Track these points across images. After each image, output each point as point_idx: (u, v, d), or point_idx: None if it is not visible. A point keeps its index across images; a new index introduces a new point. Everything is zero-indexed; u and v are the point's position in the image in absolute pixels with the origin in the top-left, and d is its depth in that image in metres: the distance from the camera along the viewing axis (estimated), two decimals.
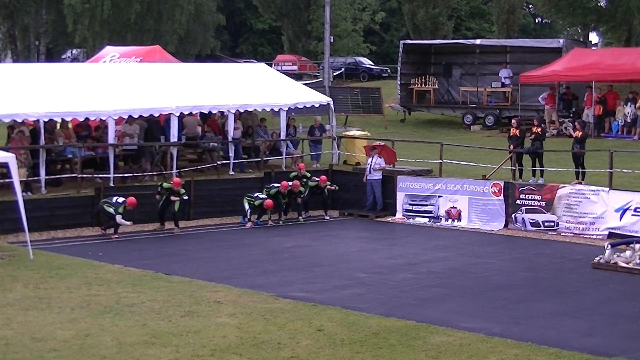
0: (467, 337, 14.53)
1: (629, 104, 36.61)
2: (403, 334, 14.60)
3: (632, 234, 22.60)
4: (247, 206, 25.98)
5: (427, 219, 26.84)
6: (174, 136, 27.49)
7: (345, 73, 61.24)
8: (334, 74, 58.03)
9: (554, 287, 18.72)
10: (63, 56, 71.01)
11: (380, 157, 27.76)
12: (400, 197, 27.42)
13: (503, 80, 43.44)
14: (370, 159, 27.78)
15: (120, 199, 23.61)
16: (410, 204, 27.28)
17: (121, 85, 28.08)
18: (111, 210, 23.52)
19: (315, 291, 17.68)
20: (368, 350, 13.67)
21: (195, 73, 31.52)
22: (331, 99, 32.82)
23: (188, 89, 29.13)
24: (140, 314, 15.40)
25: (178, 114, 27.66)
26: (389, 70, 61.42)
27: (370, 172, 27.44)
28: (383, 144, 29.06)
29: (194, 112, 28.91)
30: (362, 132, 34.29)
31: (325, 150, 31.59)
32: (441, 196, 26.73)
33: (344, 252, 22.41)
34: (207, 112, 29.46)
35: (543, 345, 14.03)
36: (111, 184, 25.59)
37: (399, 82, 46.18)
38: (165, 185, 24.94)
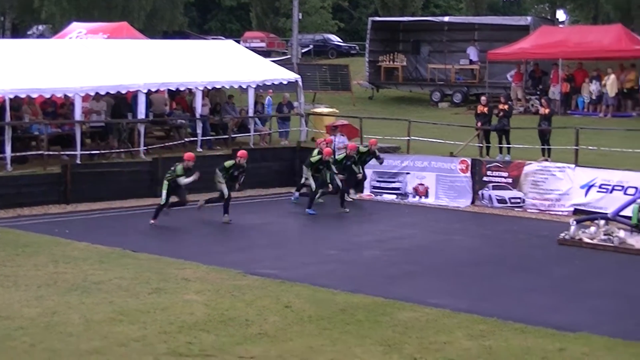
0: (434, 313, 14.63)
1: (594, 81, 36.85)
2: (370, 311, 14.68)
3: (597, 211, 22.79)
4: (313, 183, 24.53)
5: (394, 196, 26.93)
6: (141, 113, 27.37)
7: (314, 50, 61.17)
8: (303, 51, 57.94)
9: (520, 264, 18.87)
10: (29, 32, 70.28)
11: (343, 136, 27.74)
12: (368, 174, 27.45)
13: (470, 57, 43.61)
14: (332, 138, 27.61)
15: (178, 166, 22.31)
16: (378, 181, 27.34)
17: (88, 61, 27.86)
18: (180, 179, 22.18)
19: (283, 268, 17.70)
20: (335, 327, 13.73)
21: (163, 50, 31.36)
22: (299, 76, 32.78)
23: (156, 65, 28.98)
24: (107, 292, 15.37)
25: (145, 91, 27.53)
26: (357, 48, 61.36)
27: (334, 151, 27.18)
28: (345, 122, 29.06)
29: (161, 89, 28.81)
30: (330, 109, 34.29)
31: (293, 128, 31.58)
32: (409, 173, 26.81)
33: (312, 229, 22.47)
34: (174, 89, 29.36)
35: (509, 320, 14.16)
36: (78, 162, 25.44)
37: (367, 60, 46.22)
38: (227, 164, 22.98)
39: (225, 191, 22.56)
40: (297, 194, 25.81)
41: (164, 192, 22.17)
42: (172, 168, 22.35)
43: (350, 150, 25.43)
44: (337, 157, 25.34)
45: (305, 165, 25.09)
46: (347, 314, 14.47)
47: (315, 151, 25.09)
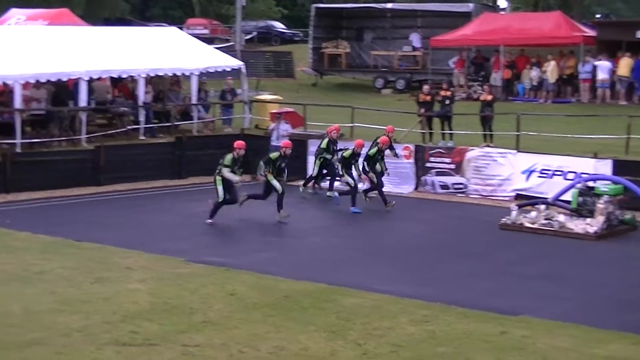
0: (378, 298, 14.71)
1: (535, 67, 37.23)
2: (315, 297, 14.72)
3: (538, 195, 23.05)
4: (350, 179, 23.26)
5: (338, 183, 26.90)
6: (83, 101, 27.10)
7: (257, 37, 60.93)
8: (246, 37, 57.64)
9: (463, 249, 19.04)
10: None
11: (287, 123, 27.67)
12: (312, 161, 27.43)
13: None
14: (276, 125, 27.47)
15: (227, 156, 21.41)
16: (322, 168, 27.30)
17: (28, 49, 27.47)
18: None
19: (227, 256, 17.67)
20: (280, 313, 13.75)
21: (104, 37, 31.03)
22: (243, 63, 32.65)
23: (97, 53, 28.66)
24: (49, 282, 15.23)
25: (87, 79, 27.25)
26: (301, 34, 61.23)
27: (278, 139, 27.07)
28: (289, 109, 29.00)
29: (103, 77, 28.54)
30: (274, 96, 34.23)
31: (237, 115, 31.48)
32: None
33: (256, 216, 22.41)
34: (117, 77, 29.11)
35: (451, 305, 14.29)
36: (18, 150, 25.13)
37: (311, 46, 46.17)
38: (272, 156, 21.84)
39: (279, 186, 21.50)
40: (336, 193, 24.24)
41: (220, 188, 20.89)
42: (221, 160, 21.15)
43: (383, 144, 23.84)
44: (369, 152, 23.80)
45: (338, 162, 23.76)
46: (292, 300, 14.50)
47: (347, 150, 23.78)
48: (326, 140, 24.36)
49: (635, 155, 23.70)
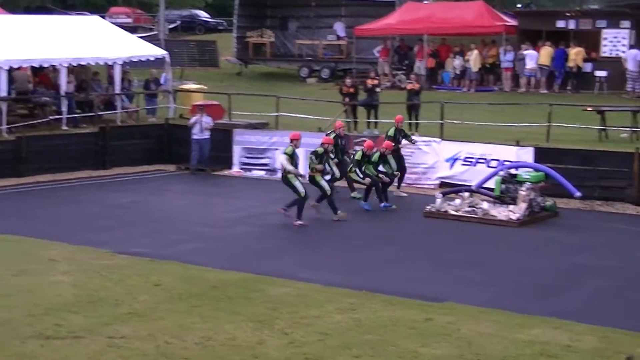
0: (304, 287, 14.77)
1: (458, 56, 37.61)
2: (242, 287, 14.72)
3: (462, 183, 23.31)
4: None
5: (264, 172, 26.96)
6: (2, 91, 26.62)
7: (181, 26, 60.43)
8: (170, 27, 57.16)
9: (388, 237, 19.18)
10: None
11: (209, 116, 27.28)
12: (237, 151, 27.42)
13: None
14: (198, 118, 26.82)
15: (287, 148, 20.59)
16: (247, 157, 27.32)
17: None
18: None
19: (153, 246, 17.57)
20: (206, 304, 13.73)
21: (24, 25, 30.46)
22: (167, 52, 32.41)
23: (17, 41, 28.15)
24: None
25: (7, 68, 26.78)
26: (225, 24, 60.92)
27: (201, 132, 26.61)
28: (211, 102, 28.76)
29: (24, 66, 28.07)
30: (199, 86, 34.05)
31: (161, 105, 31.25)
32: (278, 149, 26.83)
33: (182, 207, 22.32)
34: (38, 66, 28.66)
35: (377, 293, 14.41)
36: None
37: (235, 36, 45.99)
38: (319, 150, 20.84)
39: (327, 187, 20.75)
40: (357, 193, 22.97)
41: (297, 184, 20.20)
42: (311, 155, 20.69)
43: (368, 148, 22.27)
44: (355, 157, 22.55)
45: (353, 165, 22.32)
46: (218, 290, 14.48)
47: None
48: (333, 135, 23.17)
49: (556, 142, 24.09)
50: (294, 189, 20.23)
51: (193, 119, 26.79)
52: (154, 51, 31.84)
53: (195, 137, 26.65)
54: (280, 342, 12.06)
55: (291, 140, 20.76)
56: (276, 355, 11.60)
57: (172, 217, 20.92)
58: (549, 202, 21.38)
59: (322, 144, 21.06)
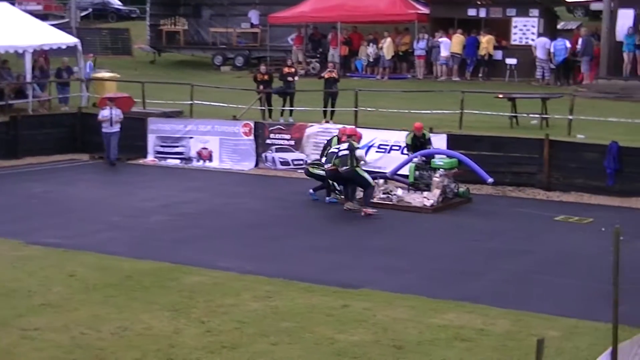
0: (220, 276, 14.77)
1: (371, 44, 37.82)
2: (157, 276, 14.66)
3: (376, 170, 23.45)
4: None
5: (178, 161, 26.82)
6: None
7: (93, 14, 59.54)
8: (81, 14, 56.29)
9: (305, 224, 19.26)
10: None
11: (119, 109, 26.71)
12: (151, 139, 27.21)
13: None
14: (108, 111, 26.14)
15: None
16: (161, 146, 27.13)
17: None
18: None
19: (67, 237, 17.36)
20: (122, 294, 13.64)
21: None
22: (79, 40, 31.95)
23: None
24: None
25: None
26: (138, 11, 60.21)
27: (111, 125, 25.89)
28: (122, 94, 28.37)
29: None
30: (112, 74, 33.64)
31: (74, 93, 30.82)
32: (192, 137, 26.75)
33: (96, 196, 22.08)
34: None
35: (294, 280, 14.48)
36: None
37: (148, 23, 45.50)
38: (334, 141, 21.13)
39: (370, 180, 20.56)
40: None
41: (365, 175, 20.30)
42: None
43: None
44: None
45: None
46: (134, 280, 14.40)
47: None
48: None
49: (469, 129, 24.41)
50: (362, 179, 20.24)
51: (103, 114, 26.08)
52: (66, 39, 31.35)
53: (105, 130, 25.99)
54: (197, 331, 12.05)
55: (349, 136, 20.89)
56: (193, 344, 11.58)
57: (86, 207, 20.68)
58: (462, 188, 21.67)
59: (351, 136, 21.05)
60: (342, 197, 20.87)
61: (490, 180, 21.43)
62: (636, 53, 31.52)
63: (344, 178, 20.43)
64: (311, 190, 21.62)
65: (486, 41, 35.33)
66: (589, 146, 22.24)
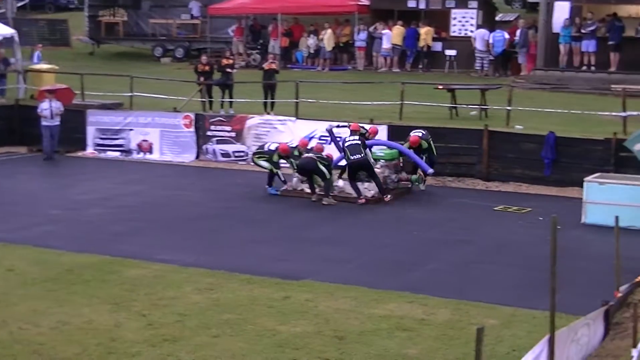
0: (161, 268, 14.71)
1: (312, 35, 37.86)
2: (97, 269, 14.56)
3: None
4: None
5: (118, 153, 26.64)
6: None
7: (30, 4, 58.76)
8: (18, 5, 55.56)
9: (246, 216, 19.23)
10: None
11: (58, 101, 26.35)
12: (91, 132, 26.98)
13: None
14: (47, 103, 25.73)
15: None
16: (101, 138, 26.91)
17: None
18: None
19: (5, 231, 17.14)
20: (62, 288, 13.53)
21: None
22: (15, 31, 31.52)
23: None
24: None
25: None
26: (76, 2, 59.54)
27: (52, 118, 25.53)
28: (61, 86, 28.06)
29: None
30: (50, 66, 33.23)
31: (11, 85, 30.40)
32: (132, 129, 26.56)
33: (35, 190, 21.84)
34: None
35: (235, 272, 14.48)
36: None
37: (86, 14, 45.04)
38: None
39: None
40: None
41: None
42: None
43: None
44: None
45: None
46: (74, 274, 14.29)
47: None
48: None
49: (409, 120, 24.54)
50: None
51: (42, 108, 25.68)
52: (2, 30, 30.93)
53: (45, 123, 25.58)
54: (138, 324, 12.00)
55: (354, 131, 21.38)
56: (134, 337, 11.53)
57: (24, 200, 20.45)
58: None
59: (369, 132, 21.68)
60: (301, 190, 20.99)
61: (431, 170, 21.60)
62: (572, 45, 31.94)
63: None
64: (267, 186, 21.53)
65: (425, 33, 35.54)
66: (527, 137, 22.53)
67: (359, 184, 21.03)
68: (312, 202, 20.47)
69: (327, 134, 22.74)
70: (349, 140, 21.04)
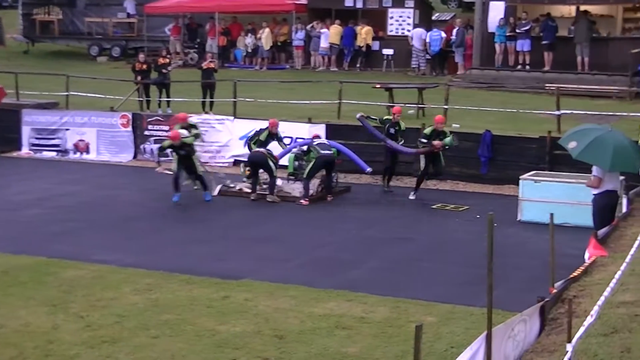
0: (99, 269, 14.61)
1: (250, 34, 37.81)
2: (34, 271, 14.41)
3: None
4: None
5: (55, 153, 26.37)
6: None
7: None
8: None
9: (183, 216, 19.18)
10: None
11: None
12: (26, 131, 26.66)
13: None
14: None
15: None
16: (36, 138, 26.60)
17: None
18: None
19: None
20: None
21: None
22: None
23: None
24: None
25: None
26: (9, 0, 58.85)
27: None
28: None
29: None
30: None
31: None
32: (69, 129, 26.31)
33: None
34: None
35: (174, 272, 14.43)
36: None
37: (20, 12, 44.47)
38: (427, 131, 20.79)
39: (423, 164, 21.12)
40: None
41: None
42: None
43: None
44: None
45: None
46: (10, 276, 14.13)
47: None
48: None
49: (347, 119, 24.61)
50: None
51: None
52: None
53: None
54: (76, 326, 11.90)
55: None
56: (72, 339, 11.44)
57: None
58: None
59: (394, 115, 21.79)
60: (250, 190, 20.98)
61: (369, 169, 21.69)
62: (507, 44, 32.32)
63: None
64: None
65: (365, 32, 35.67)
66: (464, 135, 22.72)
67: (298, 184, 21.05)
68: (252, 201, 20.46)
69: (360, 123, 22.25)
70: (318, 139, 21.56)
